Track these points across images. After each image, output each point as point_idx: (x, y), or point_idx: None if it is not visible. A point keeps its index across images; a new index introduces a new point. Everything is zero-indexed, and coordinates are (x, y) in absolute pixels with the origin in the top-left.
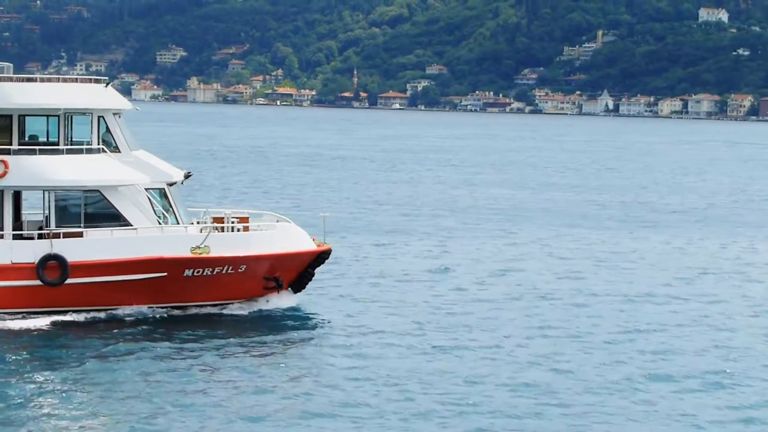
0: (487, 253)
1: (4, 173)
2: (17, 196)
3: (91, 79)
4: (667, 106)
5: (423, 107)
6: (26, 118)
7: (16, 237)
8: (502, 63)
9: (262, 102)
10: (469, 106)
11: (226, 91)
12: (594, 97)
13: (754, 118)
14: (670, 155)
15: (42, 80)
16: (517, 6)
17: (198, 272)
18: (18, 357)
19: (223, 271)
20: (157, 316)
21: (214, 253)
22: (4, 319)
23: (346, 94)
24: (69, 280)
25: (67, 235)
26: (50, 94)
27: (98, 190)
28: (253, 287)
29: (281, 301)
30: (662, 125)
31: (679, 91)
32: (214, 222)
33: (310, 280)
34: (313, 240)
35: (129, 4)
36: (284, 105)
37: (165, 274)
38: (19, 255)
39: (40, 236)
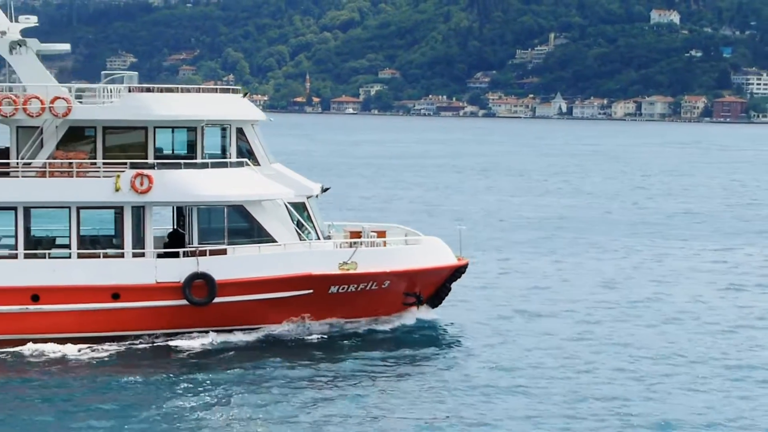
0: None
1: (149, 188)
2: None
3: (229, 89)
4: (620, 108)
5: (376, 112)
6: (158, 130)
7: (160, 255)
8: (454, 67)
9: None
10: (422, 111)
11: None
12: (547, 100)
13: (707, 119)
14: (657, 158)
15: (181, 91)
16: (469, 10)
17: (343, 289)
18: (163, 379)
19: (367, 288)
20: (295, 335)
21: (361, 269)
22: (149, 342)
23: (299, 99)
24: (216, 299)
25: (213, 253)
26: (191, 105)
27: (242, 205)
28: (394, 303)
29: (420, 316)
30: (630, 127)
31: (632, 93)
32: (351, 236)
33: (447, 294)
34: None
35: (78, 11)
36: None
37: (311, 291)
38: (164, 274)
39: (185, 254)
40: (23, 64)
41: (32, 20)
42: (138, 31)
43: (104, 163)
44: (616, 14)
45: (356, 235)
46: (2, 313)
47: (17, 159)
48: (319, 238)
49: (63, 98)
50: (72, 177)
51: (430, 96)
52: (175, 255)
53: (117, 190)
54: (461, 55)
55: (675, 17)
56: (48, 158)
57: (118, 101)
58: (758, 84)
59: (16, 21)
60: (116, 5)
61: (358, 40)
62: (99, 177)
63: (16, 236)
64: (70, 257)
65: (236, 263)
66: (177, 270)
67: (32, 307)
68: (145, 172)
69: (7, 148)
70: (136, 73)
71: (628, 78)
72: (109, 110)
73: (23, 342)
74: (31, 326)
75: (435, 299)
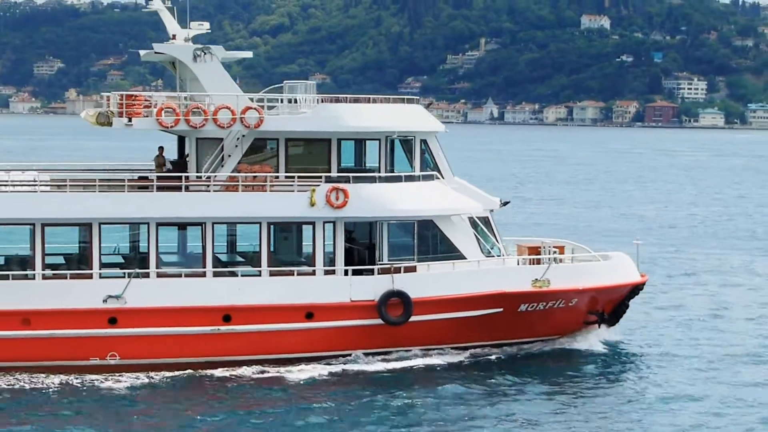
0: None
1: (344, 203)
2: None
3: (412, 100)
4: (552, 113)
5: None
6: (342, 142)
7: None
8: (385, 72)
9: None
10: None
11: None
12: (478, 105)
13: (639, 124)
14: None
15: (370, 101)
16: (399, 15)
17: (532, 307)
18: (360, 401)
19: (555, 306)
20: (480, 355)
21: (554, 286)
22: (341, 362)
23: None
24: (412, 318)
25: (407, 270)
26: (382, 116)
27: (432, 220)
28: (577, 321)
29: (600, 335)
30: (567, 133)
31: (563, 98)
32: (529, 252)
33: (625, 312)
34: None
35: (4, 16)
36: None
37: (501, 309)
38: (358, 292)
39: (380, 271)
40: (208, 72)
41: (205, 26)
42: (65, 36)
43: (298, 177)
44: (547, 20)
45: (535, 250)
46: (193, 335)
47: (200, 172)
48: (501, 254)
49: (254, 108)
50: (264, 191)
51: None
52: (363, 272)
53: (312, 204)
54: (392, 60)
55: (606, 22)
56: (232, 171)
57: (310, 112)
58: (689, 89)
59: (189, 27)
60: (43, 10)
61: (289, 45)
62: (292, 191)
63: (203, 253)
64: (260, 275)
65: (431, 280)
66: (372, 288)
67: (224, 328)
68: (341, 186)
69: (177, 161)
70: (314, 82)
71: (559, 83)
72: (300, 121)
73: (214, 365)
74: (223, 348)
75: (613, 317)
